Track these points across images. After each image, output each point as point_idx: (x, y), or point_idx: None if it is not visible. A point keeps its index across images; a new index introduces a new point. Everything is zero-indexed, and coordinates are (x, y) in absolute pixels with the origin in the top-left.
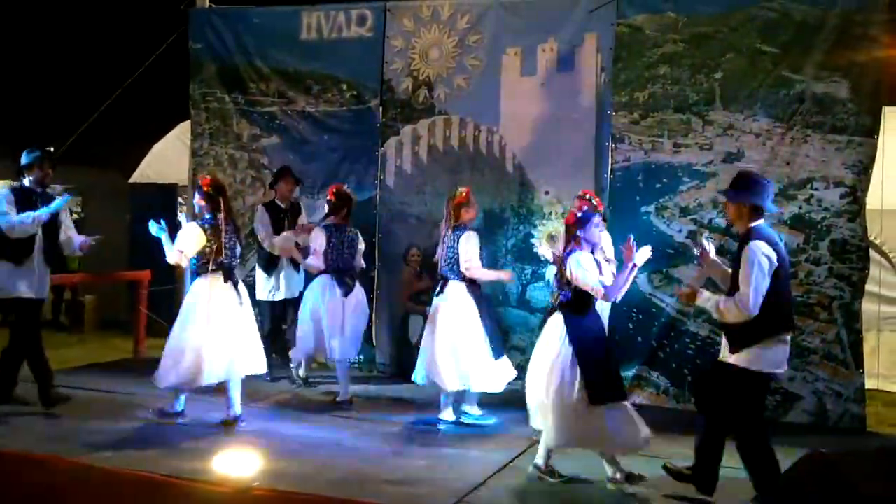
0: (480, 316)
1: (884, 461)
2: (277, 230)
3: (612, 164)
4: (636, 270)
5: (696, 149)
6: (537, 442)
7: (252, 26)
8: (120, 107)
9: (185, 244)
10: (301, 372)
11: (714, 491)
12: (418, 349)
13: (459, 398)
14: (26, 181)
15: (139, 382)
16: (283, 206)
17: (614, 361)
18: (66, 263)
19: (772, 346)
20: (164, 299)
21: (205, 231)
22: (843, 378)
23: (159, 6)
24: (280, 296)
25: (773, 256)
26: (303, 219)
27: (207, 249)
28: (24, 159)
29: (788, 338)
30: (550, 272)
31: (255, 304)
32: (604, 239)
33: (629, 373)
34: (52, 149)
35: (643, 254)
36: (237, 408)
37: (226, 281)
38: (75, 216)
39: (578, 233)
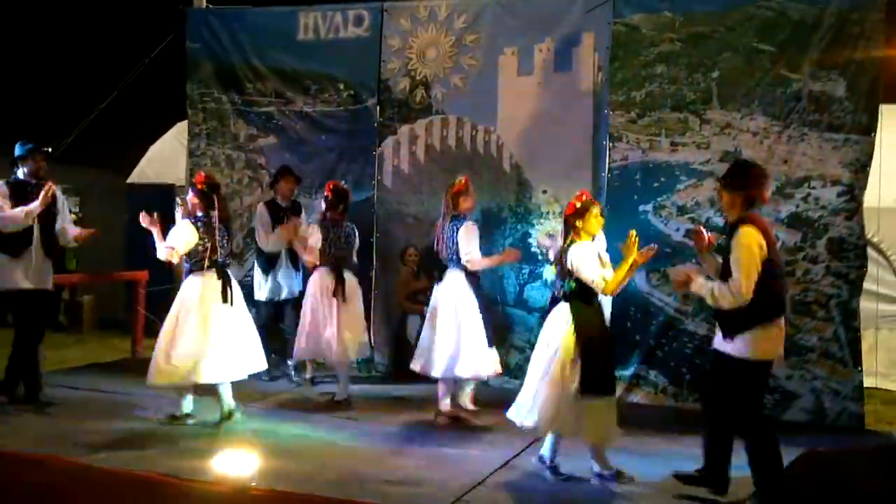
0: (478, 304)
1: (882, 459)
2: None
3: (609, 163)
4: (637, 267)
5: (693, 148)
6: (537, 441)
7: (249, 26)
8: (117, 107)
9: (176, 240)
10: (307, 374)
11: (727, 490)
12: (416, 348)
13: (455, 392)
14: (20, 173)
15: (137, 382)
16: (283, 204)
17: (612, 355)
18: (65, 262)
19: (765, 331)
20: (162, 299)
21: (197, 228)
22: (842, 376)
23: (156, 6)
24: (279, 296)
25: (764, 243)
26: (303, 218)
27: (201, 247)
28: (17, 151)
29: (782, 322)
30: (549, 272)
31: (254, 304)
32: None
33: (627, 372)
34: (49, 149)
35: (648, 252)
36: (230, 402)
37: (219, 279)
38: (73, 216)
39: (578, 223)
